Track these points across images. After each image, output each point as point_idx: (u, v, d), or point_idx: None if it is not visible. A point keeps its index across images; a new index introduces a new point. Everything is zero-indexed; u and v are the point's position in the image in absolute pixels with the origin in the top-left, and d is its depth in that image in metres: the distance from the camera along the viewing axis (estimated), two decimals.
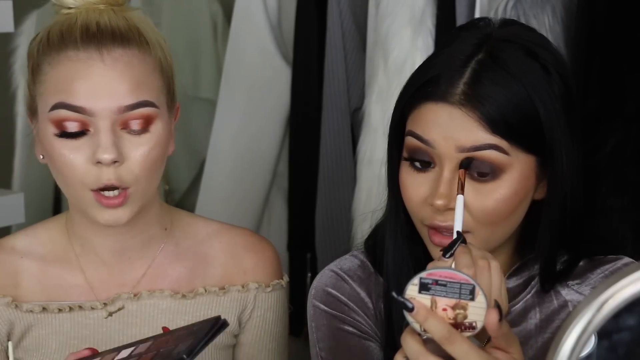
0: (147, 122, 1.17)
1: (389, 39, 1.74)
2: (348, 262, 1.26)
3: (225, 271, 1.31)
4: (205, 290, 1.29)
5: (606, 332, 1.08)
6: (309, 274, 2.01)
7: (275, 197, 2.16)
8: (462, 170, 1.08)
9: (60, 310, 1.24)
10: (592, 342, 0.97)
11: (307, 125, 2.01)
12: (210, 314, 1.28)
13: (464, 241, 1.02)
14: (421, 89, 1.12)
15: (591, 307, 0.75)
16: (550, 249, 1.15)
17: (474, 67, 1.10)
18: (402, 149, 1.14)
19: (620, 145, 1.55)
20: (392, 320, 1.18)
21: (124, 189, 1.16)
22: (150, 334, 1.24)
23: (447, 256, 1.00)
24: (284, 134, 2.12)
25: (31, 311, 1.24)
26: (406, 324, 0.96)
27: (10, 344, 1.18)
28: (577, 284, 1.20)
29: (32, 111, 1.21)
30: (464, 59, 1.10)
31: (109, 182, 1.15)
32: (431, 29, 1.72)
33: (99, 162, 1.15)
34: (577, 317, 0.75)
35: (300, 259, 2.05)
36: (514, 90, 1.09)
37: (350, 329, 1.21)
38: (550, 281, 1.18)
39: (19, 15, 2.21)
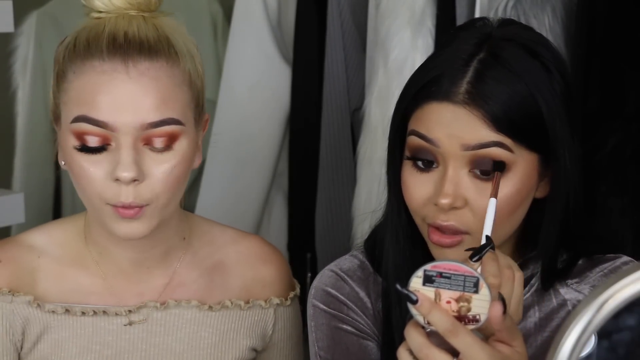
0: (171, 140, 1.14)
1: (389, 39, 1.74)
2: (348, 262, 1.26)
3: (244, 282, 1.30)
4: (232, 304, 1.28)
5: (606, 332, 1.08)
6: (309, 274, 2.01)
7: (275, 197, 2.16)
8: (497, 173, 1.08)
9: (83, 313, 1.22)
10: (592, 342, 0.97)
11: (307, 125, 2.01)
12: (234, 327, 1.28)
13: (493, 247, 1.02)
14: (424, 88, 1.12)
15: (591, 307, 0.75)
16: (554, 246, 1.15)
17: (476, 66, 1.10)
18: (404, 149, 1.14)
19: (620, 145, 1.55)
20: (391, 320, 1.18)
21: (142, 205, 1.14)
22: (174, 344, 1.25)
23: (474, 260, 1.00)
24: (284, 134, 2.11)
25: (53, 312, 1.22)
26: (410, 316, 0.96)
27: None
28: (576, 282, 1.20)
29: (56, 117, 1.18)
30: (465, 58, 1.11)
31: (126, 201, 1.12)
32: (431, 29, 1.72)
33: (117, 179, 1.12)
34: (577, 317, 0.75)
35: (300, 259, 2.05)
36: (517, 88, 1.09)
37: (349, 328, 1.22)
38: (551, 279, 1.18)
39: (19, 15, 2.21)
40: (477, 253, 1.00)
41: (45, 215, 2.59)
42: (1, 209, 1.81)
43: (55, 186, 2.66)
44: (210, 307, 1.27)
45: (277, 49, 2.08)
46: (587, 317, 0.75)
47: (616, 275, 0.76)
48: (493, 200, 1.05)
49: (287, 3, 2.03)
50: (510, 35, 1.14)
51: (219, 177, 2.17)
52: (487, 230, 1.03)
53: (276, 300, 1.31)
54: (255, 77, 2.10)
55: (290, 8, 2.02)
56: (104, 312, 1.23)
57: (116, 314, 1.23)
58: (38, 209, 2.56)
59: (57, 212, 2.65)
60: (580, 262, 1.21)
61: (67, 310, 1.22)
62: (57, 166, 2.64)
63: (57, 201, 2.67)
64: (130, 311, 1.23)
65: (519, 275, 1.01)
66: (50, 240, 1.26)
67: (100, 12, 1.17)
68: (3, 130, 2.67)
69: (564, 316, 1.18)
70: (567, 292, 1.19)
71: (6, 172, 2.64)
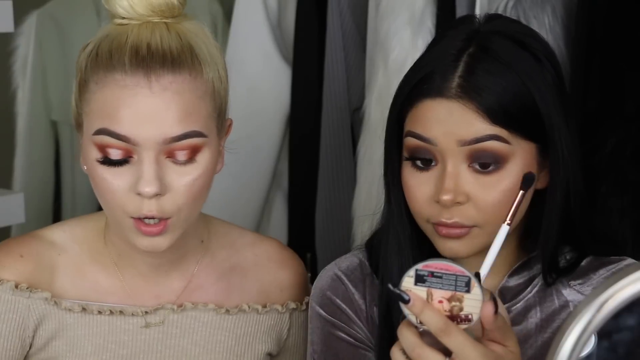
0: (193, 152, 1.14)
1: (389, 39, 1.74)
2: (348, 261, 1.26)
3: (262, 286, 1.30)
4: (249, 307, 1.28)
5: (606, 332, 1.08)
6: (309, 274, 2.01)
7: (275, 197, 2.16)
8: (521, 193, 1.05)
9: (100, 312, 1.22)
10: (592, 342, 0.97)
11: (307, 125, 2.01)
12: (251, 331, 1.28)
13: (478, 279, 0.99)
14: (416, 87, 1.12)
15: (591, 307, 0.75)
16: (556, 238, 1.15)
17: (466, 60, 1.10)
18: (402, 150, 1.14)
19: (620, 145, 1.55)
20: (388, 322, 1.18)
21: (165, 218, 1.14)
22: (190, 347, 1.25)
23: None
24: (284, 134, 2.11)
25: (70, 310, 1.21)
26: (402, 316, 0.96)
27: None
28: (579, 284, 1.20)
29: (78, 124, 1.18)
30: (455, 54, 1.11)
31: (149, 214, 1.12)
32: (431, 29, 1.72)
33: (139, 194, 1.12)
34: (577, 317, 0.75)
35: (300, 259, 2.05)
36: (508, 78, 1.09)
37: (342, 335, 1.21)
38: (553, 274, 1.18)
39: (19, 15, 2.21)
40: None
41: (45, 215, 2.59)
42: (1, 209, 1.81)
43: (55, 186, 2.66)
44: (228, 311, 1.26)
45: (277, 49, 2.08)
46: (587, 317, 0.75)
47: (616, 275, 0.76)
48: (505, 228, 1.02)
49: (287, 3, 2.03)
50: (497, 28, 1.14)
51: (218, 176, 2.16)
52: (487, 266, 1.01)
53: (292, 305, 1.31)
54: (255, 77, 2.10)
55: (290, 8, 2.02)
56: (121, 312, 1.23)
57: (133, 314, 1.23)
58: (38, 209, 2.56)
59: (57, 212, 2.65)
60: (584, 262, 1.20)
61: (83, 309, 1.22)
62: (57, 166, 2.66)
63: (57, 201, 2.67)
64: (146, 312, 1.23)
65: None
66: (70, 237, 1.25)
67: (123, 18, 1.15)
68: (3, 130, 2.67)
69: (565, 318, 1.18)
70: (569, 294, 1.19)
71: (6, 172, 2.64)
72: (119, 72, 1.11)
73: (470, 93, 1.08)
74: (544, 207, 1.15)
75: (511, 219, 1.03)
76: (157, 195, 1.12)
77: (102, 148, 1.13)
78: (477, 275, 0.99)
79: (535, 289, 1.20)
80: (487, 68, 1.09)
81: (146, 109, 1.11)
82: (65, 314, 1.22)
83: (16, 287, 1.20)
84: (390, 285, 0.95)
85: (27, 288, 1.21)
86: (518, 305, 1.19)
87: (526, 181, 1.07)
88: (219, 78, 1.17)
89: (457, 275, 0.94)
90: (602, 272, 1.20)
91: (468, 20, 1.18)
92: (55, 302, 1.21)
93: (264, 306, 1.29)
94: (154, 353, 1.24)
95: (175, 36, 1.14)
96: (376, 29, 1.78)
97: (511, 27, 1.16)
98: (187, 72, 1.13)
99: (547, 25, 1.61)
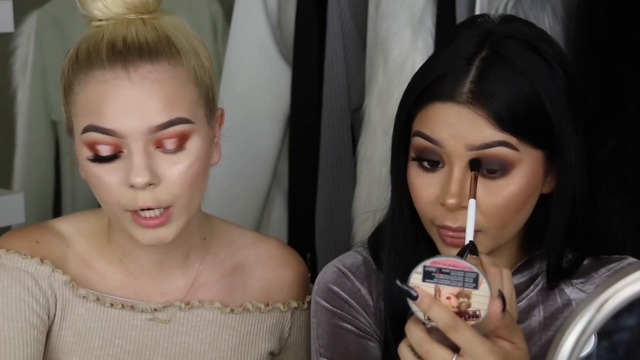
0: (182, 140, 1.14)
1: (389, 39, 1.74)
2: (351, 258, 1.26)
3: (263, 285, 1.31)
4: (253, 306, 1.28)
5: (606, 332, 1.08)
6: (309, 274, 2.01)
7: (275, 197, 2.16)
8: (473, 173, 1.07)
9: (112, 304, 1.22)
10: (592, 342, 0.97)
11: (307, 125, 2.01)
12: (254, 330, 1.29)
13: (476, 250, 1.01)
14: (427, 89, 1.12)
15: (591, 307, 0.75)
16: (561, 242, 1.15)
17: (478, 65, 1.10)
18: (409, 150, 1.14)
19: (620, 145, 1.55)
20: (392, 318, 1.18)
21: (165, 208, 1.14)
22: (196, 345, 1.25)
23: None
24: (284, 134, 2.11)
25: (84, 297, 1.22)
26: (410, 313, 0.96)
27: None
28: (581, 282, 1.20)
29: (69, 130, 1.19)
30: (468, 57, 1.11)
31: (145, 205, 1.13)
32: (431, 29, 1.72)
33: (133, 186, 1.12)
34: (577, 317, 0.75)
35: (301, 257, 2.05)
36: (520, 85, 1.09)
37: (349, 327, 1.22)
38: (557, 277, 1.18)
39: (19, 15, 2.21)
40: (459, 255, 1.00)
41: (45, 215, 2.58)
42: (1, 209, 1.81)
43: (55, 186, 2.66)
44: (232, 310, 1.27)
45: (277, 49, 2.08)
46: (587, 317, 0.75)
47: (616, 275, 0.76)
48: (472, 201, 1.05)
49: (287, 3, 2.03)
50: (511, 32, 1.14)
51: (218, 177, 2.16)
52: (470, 234, 1.03)
53: (294, 304, 1.32)
54: (255, 77, 2.10)
55: (290, 8, 2.02)
56: (132, 306, 1.23)
57: (142, 311, 1.23)
58: (38, 209, 2.56)
59: (57, 212, 2.65)
60: (586, 262, 1.21)
61: (98, 299, 1.22)
62: (57, 166, 2.66)
63: (57, 201, 2.67)
64: (155, 309, 1.24)
65: (506, 272, 1.01)
66: (77, 231, 1.26)
67: (100, 20, 1.16)
68: (3, 130, 2.67)
69: (566, 317, 1.19)
70: (572, 292, 1.19)
71: (6, 172, 2.64)
72: (98, 68, 1.13)
73: (481, 99, 1.08)
74: (548, 211, 1.15)
75: (474, 195, 1.05)
76: (151, 185, 1.12)
77: (91, 146, 1.13)
78: (472, 243, 1.01)
79: (538, 287, 1.20)
80: (499, 74, 1.09)
81: (128, 101, 1.12)
82: (79, 303, 1.22)
83: (41, 261, 1.20)
84: (398, 282, 0.95)
85: (51, 263, 1.21)
86: (521, 304, 1.19)
87: (474, 165, 1.08)
88: (201, 66, 1.18)
89: (465, 272, 0.94)
90: (604, 271, 1.20)
91: (482, 19, 1.17)
92: (72, 286, 1.21)
93: (267, 305, 1.29)
94: (160, 350, 1.24)
95: (151, 29, 1.15)
96: (376, 29, 1.78)
97: (525, 31, 1.15)
98: (165, 61, 1.14)
99: (547, 25, 1.61)
